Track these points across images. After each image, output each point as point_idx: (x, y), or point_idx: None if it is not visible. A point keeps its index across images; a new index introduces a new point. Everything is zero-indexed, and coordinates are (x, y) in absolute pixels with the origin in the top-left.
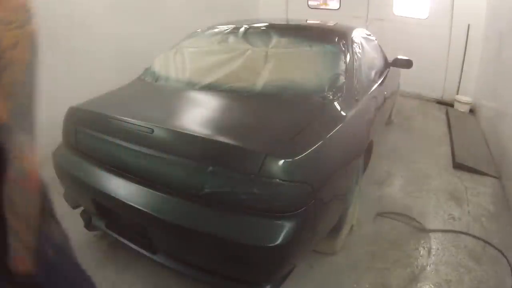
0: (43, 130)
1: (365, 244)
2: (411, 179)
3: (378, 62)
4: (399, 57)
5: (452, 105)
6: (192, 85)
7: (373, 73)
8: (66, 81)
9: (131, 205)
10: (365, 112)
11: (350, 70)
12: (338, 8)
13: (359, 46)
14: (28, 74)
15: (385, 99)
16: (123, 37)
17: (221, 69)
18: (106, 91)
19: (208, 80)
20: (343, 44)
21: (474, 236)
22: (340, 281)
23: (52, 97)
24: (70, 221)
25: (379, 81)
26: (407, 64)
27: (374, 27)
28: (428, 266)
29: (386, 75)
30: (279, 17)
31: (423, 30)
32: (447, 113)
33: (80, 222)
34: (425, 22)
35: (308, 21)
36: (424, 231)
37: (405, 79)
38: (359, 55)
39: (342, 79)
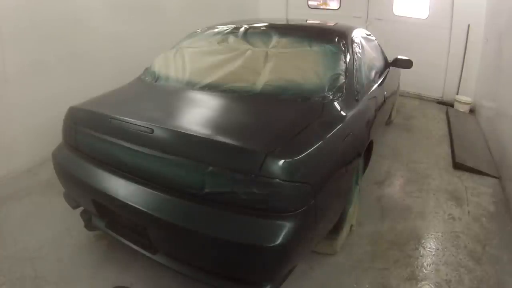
0: (43, 130)
1: (365, 244)
2: (411, 179)
3: (378, 62)
4: (399, 57)
5: (452, 105)
6: (192, 85)
7: (373, 73)
8: (66, 81)
9: (131, 205)
10: (365, 112)
11: (350, 70)
12: (338, 8)
13: (359, 46)
14: None
15: (385, 99)
16: (123, 37)
17: (221, 69)
18: (106, 91)
19: (208, 80)
20: (343, 44)
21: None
22: (340, 281)
23: (52, 97)
24: (70, 221)
25: (379, 81)
26: (407, 64)
27: (374, 27)
28: (428, 266)
29: (386, 75)
30: (279, 17)
31: (423, 30)
32: (447, 113)
33: (80, 222)
34: (425, 22)
35: (308, 21)
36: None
37: (405, 79)
38: (359, 55)
39: (342, 79)
